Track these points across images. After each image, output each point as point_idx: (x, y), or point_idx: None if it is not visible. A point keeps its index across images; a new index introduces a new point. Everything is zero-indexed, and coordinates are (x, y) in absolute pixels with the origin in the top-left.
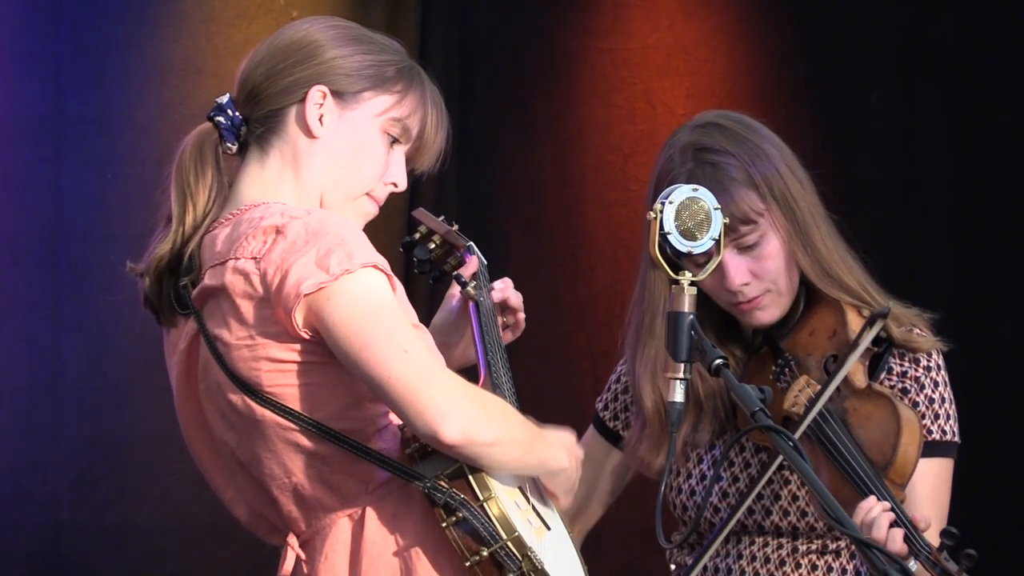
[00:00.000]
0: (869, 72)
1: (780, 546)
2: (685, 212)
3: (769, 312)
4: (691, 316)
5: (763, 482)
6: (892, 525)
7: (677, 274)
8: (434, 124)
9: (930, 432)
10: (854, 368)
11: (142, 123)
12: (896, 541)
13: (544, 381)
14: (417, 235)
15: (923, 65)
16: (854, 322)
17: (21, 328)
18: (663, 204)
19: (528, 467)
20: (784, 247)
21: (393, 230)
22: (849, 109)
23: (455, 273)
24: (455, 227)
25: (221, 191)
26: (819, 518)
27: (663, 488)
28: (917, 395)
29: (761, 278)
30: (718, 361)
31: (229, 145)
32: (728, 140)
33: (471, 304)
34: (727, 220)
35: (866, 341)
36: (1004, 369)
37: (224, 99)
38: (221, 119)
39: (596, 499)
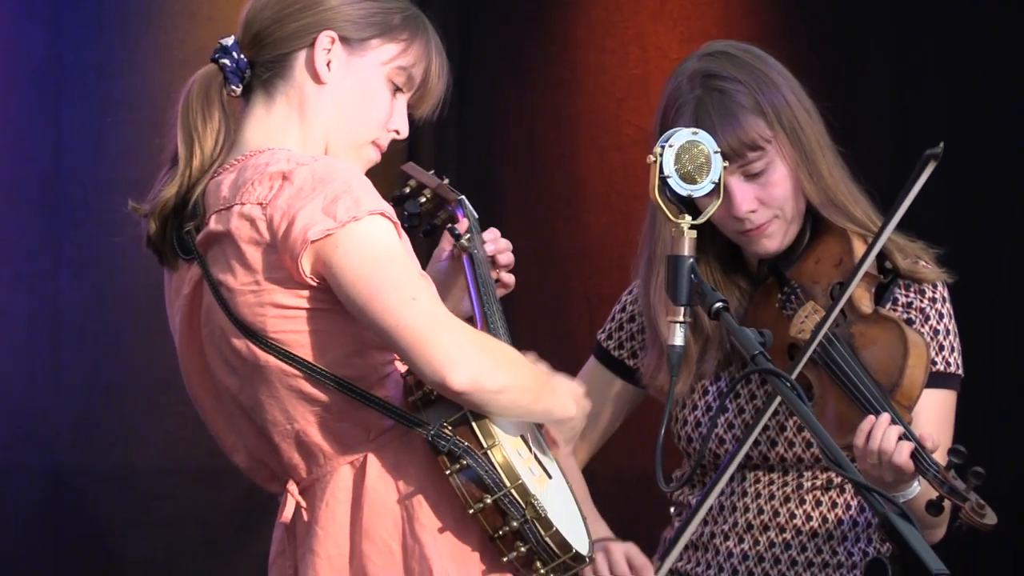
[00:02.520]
0: (866, 21)
1: (785, 483)
2: (685, 156)
3: (775, 239)
4: (691, 259)
5: (769, 413)
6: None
7: (677, 217)
8: (437, 72)
9: (934, 363)
10: (860, 295)
11: (141, 67)
12: (903, 455)
13: (540, 325)
14: (407, 189)
15: (920, 12)
16: (860, 250)
17: (21, 273)
18: (663, 148)
19: (535, 414)
20: (791, 174)
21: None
22: (846, 57)
23: (449, 226)
24: (445, 181)
25: (228, 135)
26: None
27: (662, 432)
28: (922, 326)
29: (768, 205)
30: (718, 304)
31: (233, 88)
32: (736, 68)
33: (465, 256)
34: (734, 148)
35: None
36: (1005, 316)
37: (229, 41)
38: (226, 61)
39: (597, 429)
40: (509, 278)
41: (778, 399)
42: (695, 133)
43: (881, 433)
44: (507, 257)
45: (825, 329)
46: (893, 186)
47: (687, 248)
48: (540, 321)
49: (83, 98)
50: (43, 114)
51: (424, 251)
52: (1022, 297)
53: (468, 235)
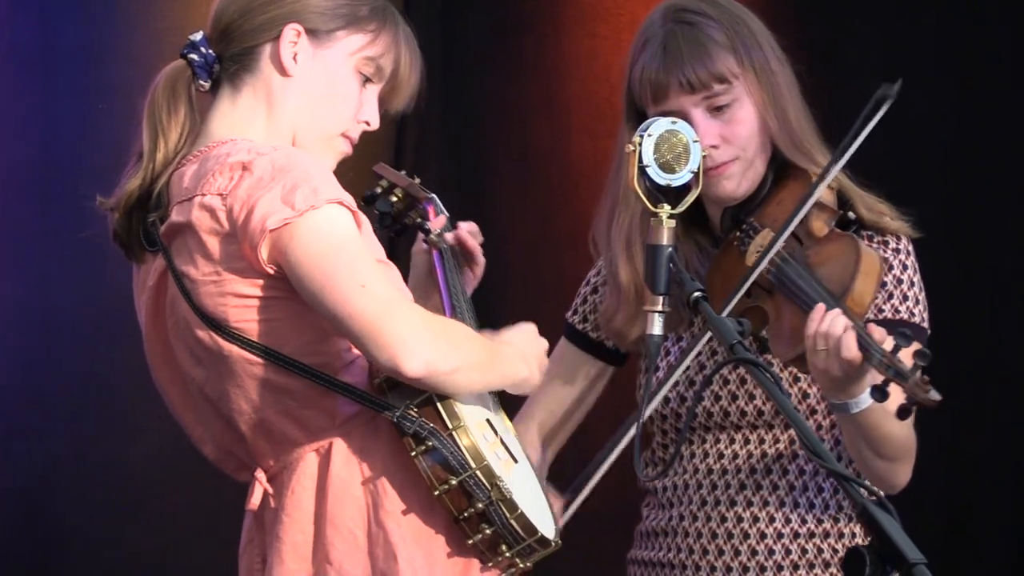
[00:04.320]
0: (853, 5)
1: (747, 440)
2: (664, 145)
3: (734, 181)
4: (669, 248)
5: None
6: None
7: (656, 207)
8: (407, 64)
9: (897, 311)
10: (818, 227)
11: (133, 53)
12: (849, 340)
13: (533, 311)
14: (379, 189)
15: None
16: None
17: (13, 260)
18: (641, 137)
19: (492, 385)
20: (757, 114)
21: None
22: (834, 37)
23: (419, 222)
24: (417, 180)
25: (193, 128)
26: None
27: (640, 422)
28: (885, 275)
29: (731, 142)
30: (696, 294)
31: (202, 83)
32: (711, 6)
33: (435, 253)
34: (701, 79)
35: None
36: (1001, 296)
37: (198, 36)
38: (194, 56)
39: (571, 408)
40: (477, 270)
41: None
42: (674, 122)
43: (830, 319)
44: (476, 248)
45: (781, 240)
46: (878, 163)
47: (666, 237)
48: (532, 307)
49: (75, 84)
50: (35, 101)
51: (398, 250)
52: (1017, 279)
53: (439, 232)
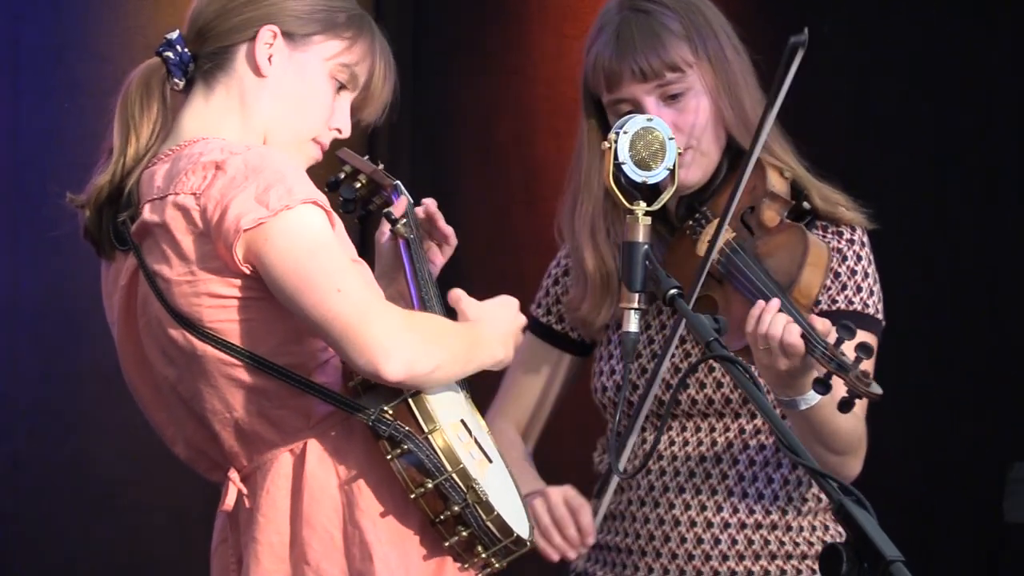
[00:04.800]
0: (822, 2)
1: (698, 428)
2: (640, 142)
3: (689, 171)
4: (645, 246)
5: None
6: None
7: (632, 204)
8: (382, 74)
9: (851, 303)
10: (768, 214)
11: (101, 52)
12: (792, 334)
13: None
14: (342, 174)
15: None
16: (774, 178)
17: None
18: (617, 134)
19: (469, 373)
20: (711, 105)
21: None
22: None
23: (385, 211)
24: (380, 166)
25: (165, 126)
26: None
27: (617, 418)
28: (839, 265)
29: (683, 131)
30: (672, 291)
31: (176, 81)
32: None
33: (401, 242)
34: (653, 67)
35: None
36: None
37: (174, 35)
38: (170, 55)
39: (540, 404)
40: (448, 250)
41: (676, 339)
42: (649, 120)
43: (770, 316)
44: (445, 226)
45: (724, 227)
46: (849, 162)
47: (642, 235)
48: None
49: (42, 83)
50: (1, 99)
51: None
52: (990, 266)
53: (404, 220)
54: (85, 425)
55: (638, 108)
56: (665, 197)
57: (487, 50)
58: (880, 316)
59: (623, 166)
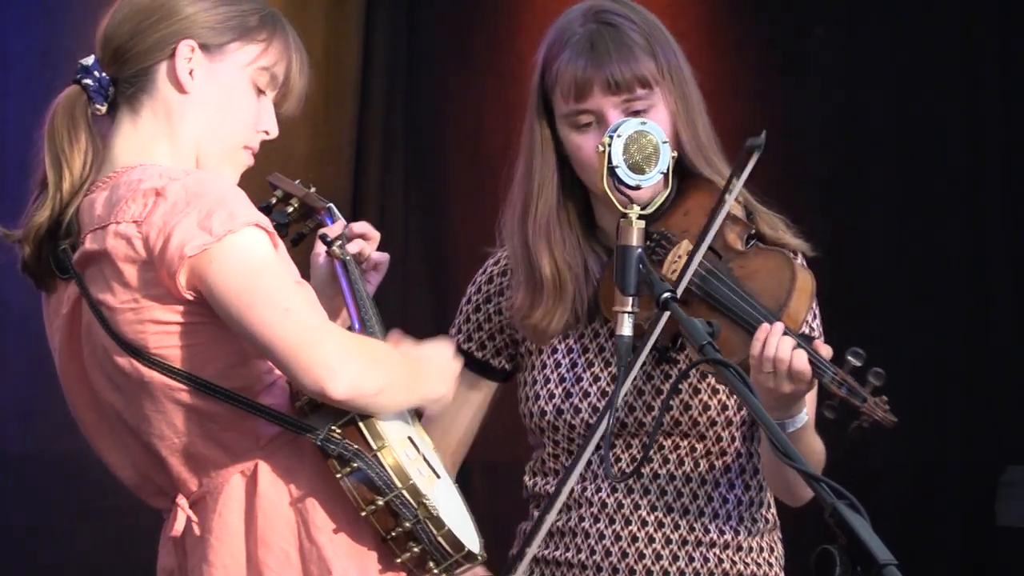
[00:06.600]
0: (816, 5)
1: (670, 447)
2: (633, 146)
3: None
4: (639, 250)
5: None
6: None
7: (625, 208)
8: (298, 69)
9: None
10: (731, 237)
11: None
12: (801, 359)
13: None
14: (274, 199)
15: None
16: (732, 203)
17: None
18: (611, 138)
19: (412, 404)
20: (671, 123)
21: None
22: (795, 42)
23: (320, 233)
24: (312, 189)
25: (96, 154)
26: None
27: (608, 423)
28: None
29: None
30: (666, 295)
31: (99, 107)
32: (630, 11)
33: (337, 263)
34: (626, 80)
35: (745, 173)
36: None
37: (89, 61)
38: (89, 82)
39: (460, 431)
40: (381, 257)
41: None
42: (643, 123)
43: (776, 340)
44: (378, 254)
45: (698, 257)
46: (839, 179)
47: (635, 238)
48: None
49: (28, 88)
50: None
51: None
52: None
53: (339, 242)
54: (75, 427)
55: (600, 120)
56: (660, 199)
57: (476, 54)
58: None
59: (617, 170)
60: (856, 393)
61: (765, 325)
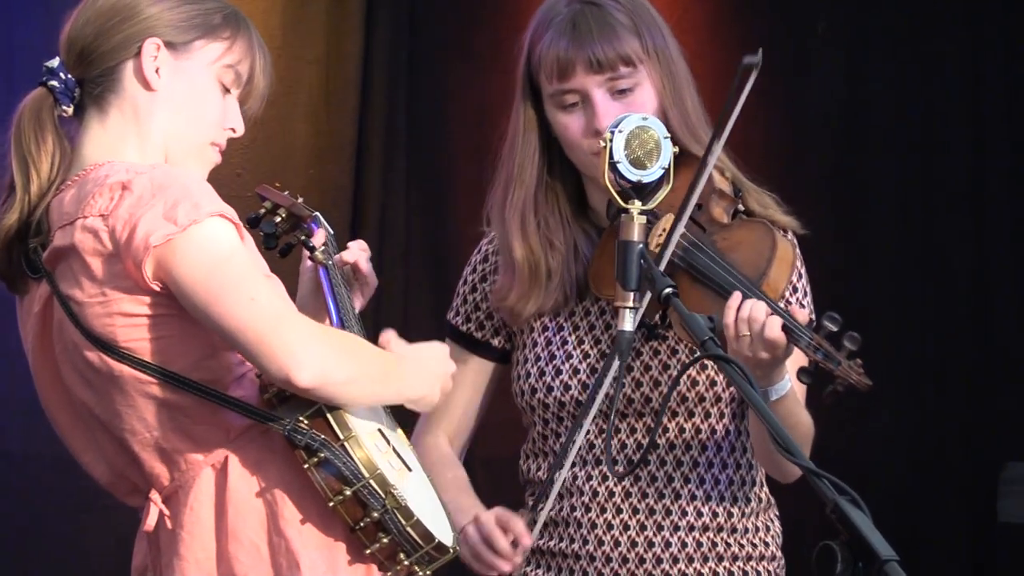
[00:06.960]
0: (819, 0)
1: (666, 429)
2: (635, 141)
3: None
4: (640, 245)
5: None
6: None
7: (627, 203)
8: (262, 67)
9: (788, 302)
10: (717, 211)
11: None
12: (774, 326)
13: None
14: (262, 210)
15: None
16: (718, 177)
17: None
18: (612, 133)
19: (386, 400)
20: (657, 101)
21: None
22: (797, 38)
23: (303, 239)
24: (299, 199)
25: (64, 156)
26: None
27: (612, 418)
28: (801, 265)
29: None
30: (668, 290)
31: (65, 108)
32: None
33: (320, 269)
34: (609, 59)
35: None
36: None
37: (54, 63)
38: (55, 83)
39: (464, 413)
40: (371, 280)
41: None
42: (644, 119)
43: (750, 304)
44: (367, 266)
45: (680, 226)
46: (841, 175)
47: (637, 234)
48: None
49: (34, 83)
50: None
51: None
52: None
53: (323, 248)
54: None
55: (586, 100)
56: (660, 196)
57: (479, 49)
58: (813, 317)
59: (618, 165)
60: (831, 357)
61: (736, 294)
